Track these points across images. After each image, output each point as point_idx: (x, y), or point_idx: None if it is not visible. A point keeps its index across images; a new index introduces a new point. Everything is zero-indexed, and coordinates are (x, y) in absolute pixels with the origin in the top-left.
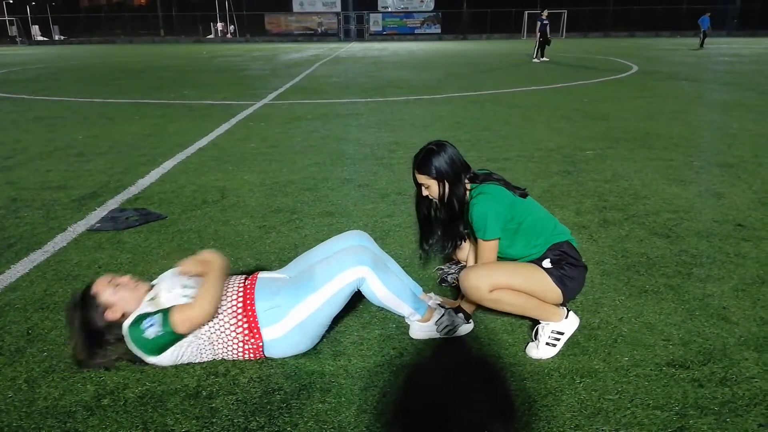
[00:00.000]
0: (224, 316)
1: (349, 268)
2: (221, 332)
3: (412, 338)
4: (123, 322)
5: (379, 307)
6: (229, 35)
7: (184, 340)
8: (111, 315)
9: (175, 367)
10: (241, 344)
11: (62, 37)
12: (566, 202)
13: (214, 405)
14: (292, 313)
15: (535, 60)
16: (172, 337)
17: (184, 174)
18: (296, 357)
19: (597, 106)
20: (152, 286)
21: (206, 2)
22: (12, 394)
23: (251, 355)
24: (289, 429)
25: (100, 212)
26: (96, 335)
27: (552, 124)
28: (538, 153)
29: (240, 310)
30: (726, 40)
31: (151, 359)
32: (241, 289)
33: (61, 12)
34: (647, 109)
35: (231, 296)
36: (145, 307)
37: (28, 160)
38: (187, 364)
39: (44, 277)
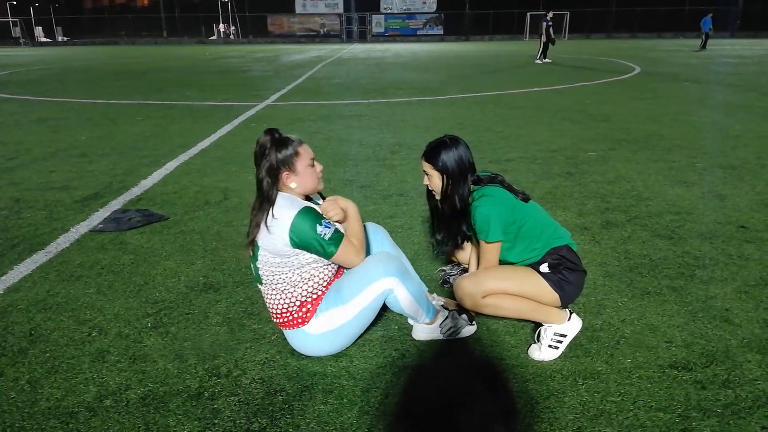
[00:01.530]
0: (319, 279)
1: (377, 281)
2: (305, 287)
3: (414, 339)
4: (286, 192)
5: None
6: (231, 36)
7: (306, 256)
8: (286, 178)
9: (177, 368)
10: (298, 307)
11: (65, 38)
12: (569, 204)
13: (216, 406)
14: (323, 316)
15: (538, 61)
16: (322, 251)
17: (187, 175)
18: (298, 358)
19: (599, 107)
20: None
21: (209, 3)
22: (14, 394)
23: (297, 321)
24: (291, 430)
25: (103, 213)
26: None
27: (554, 126)
28: (541, 154)
29: (324, 286)
30: (729, 41)
31: (285, 242)
32: (335, 270)
33: (65, 13)
34: (650, 110)
35: (332, 271)
36: (318, 207)
37: (31, 161)
38: (198, 356)
39: (47, 278)
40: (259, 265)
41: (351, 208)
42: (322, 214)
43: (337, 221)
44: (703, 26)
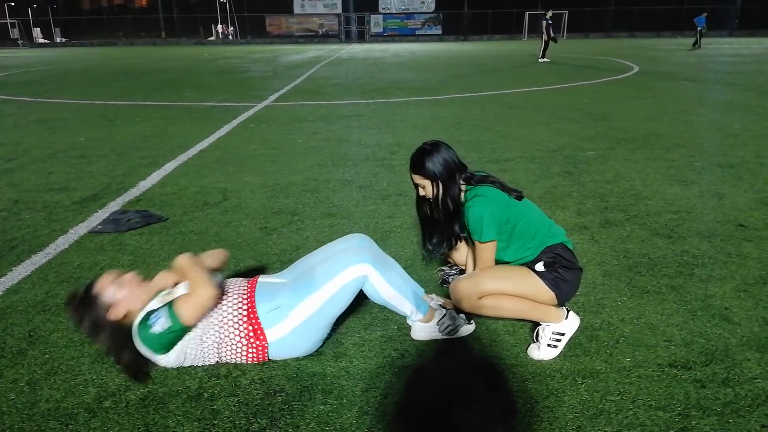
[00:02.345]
0: (229, 319)
1: (350, 267)
2: (226, 335)
3: (413, 339)
4: (127, 322)
5: (381, 306)
6: (230, 37)
7: (190, 342)
8: (114, 314)
9: (177, 369)
10: (245, 347)
11: (64, 40)
12: (567, 203)
13: (215, 407)
14: (292, 313)
15: (541, 60)
16: (180, 330)
17: (186, 176)
18: (298, 359)
19: (598, 106)
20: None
21: (207, 4)
22: (14, 396)
23: (255, 358)
24: (290, 431)
25: (102, 214)
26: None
27: (553, 125)
28: (539, 154)
29: (245, 313)
30: (727, 40)
31: (160, 358)
32: (245, 292)
33: (63, 14)
34: (648, 109)
35: (235, 299)
36: (153, 305)
37: (29, 163)
38: (189, 366)
39: (46, 280)
40: (187, 351)
41: (183, 260)
42: (147, 314)
43: (171, 287)
44: (697, 23)
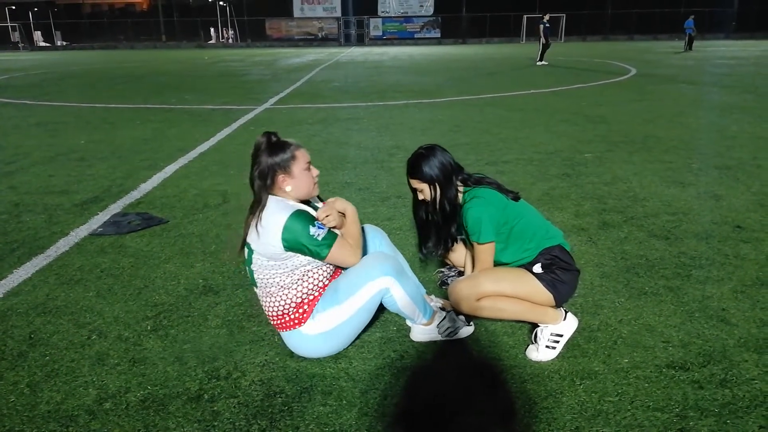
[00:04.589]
0: (319, 279)
1: (374, 280)
2: (310, 284)
3: (413, 341)
4: (282, 195)
5: (384, 309)
6: (230, 40)
7: (300, 259)
8: (282, 181)
9: (176, 370)
10: (298, 306)
11: (64, 43)
12: (565, 205)
13: (215, 408)
14: (318, 317)
15: (539, 63)
16: (315, 253)
17: (186, 178)
18: (298, 360)
19: (596, 109)
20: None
21: (207, 7)
22: (14, 398)
23: (293, 323)
24: None
25: (103, 217)
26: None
27: (551, 128)
28: (538, 156)
29: (322, 285)
30: (724, 42)
31: (278, 245)
32: (331, 271)
33: (64, 18)
34: (646, 111)
35: (325, 271)
36: (318, 212)
37: (30, 165)
38: (197, 359)
39: (46, 282)
40: (253, 268)
41: (349, 209)
42: (314, 217)
43: (333, 227)
44: (686, 27)
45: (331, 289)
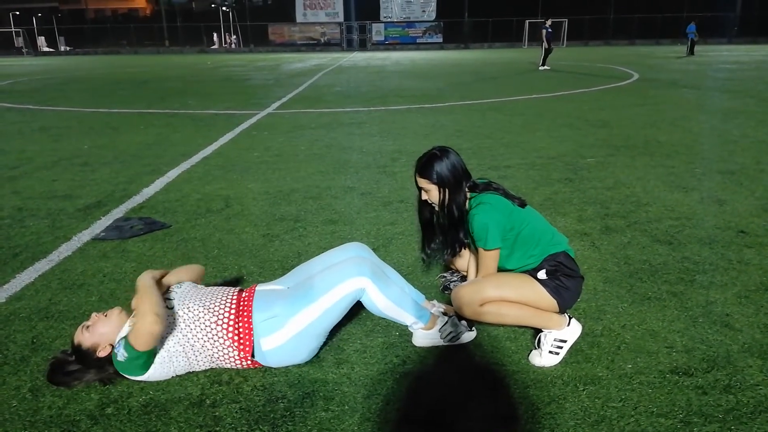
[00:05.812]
0: (212, 328)
1: (348, 279)
2: (215, 340)
3: (415, 346)
4: (105, 351)
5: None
6: (232, 45)
7: (171, 357)
8: (102, 353)
9: (179, 375)
10: (235, 352)
11: (68, 48)
12: (568, 210)
13: (217, 413)
14: (289, 323)
15: (541, 68)
16: (143, 356)
17: (189, 183)
18: (299, 365)
19: (598, 113)
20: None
21: (210, 13)
22: (16, 403)
23: (250, 363)
24: None
25: (105, 221)
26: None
27: (553, 132)
28: (540, 161)
29: (232, 320)
30: (726, 47)
31: (143, 378)
32: (234, 300)
33: (67, 23)
34: (648, 116)
35: (223, 306)
36: (124, 331)
37: (33, 170)
38: (191, 373)
39: (49, 287)
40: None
41: (140, 281)
42: (123, 339)
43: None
44: (688, 33)
45: (304, 287)
